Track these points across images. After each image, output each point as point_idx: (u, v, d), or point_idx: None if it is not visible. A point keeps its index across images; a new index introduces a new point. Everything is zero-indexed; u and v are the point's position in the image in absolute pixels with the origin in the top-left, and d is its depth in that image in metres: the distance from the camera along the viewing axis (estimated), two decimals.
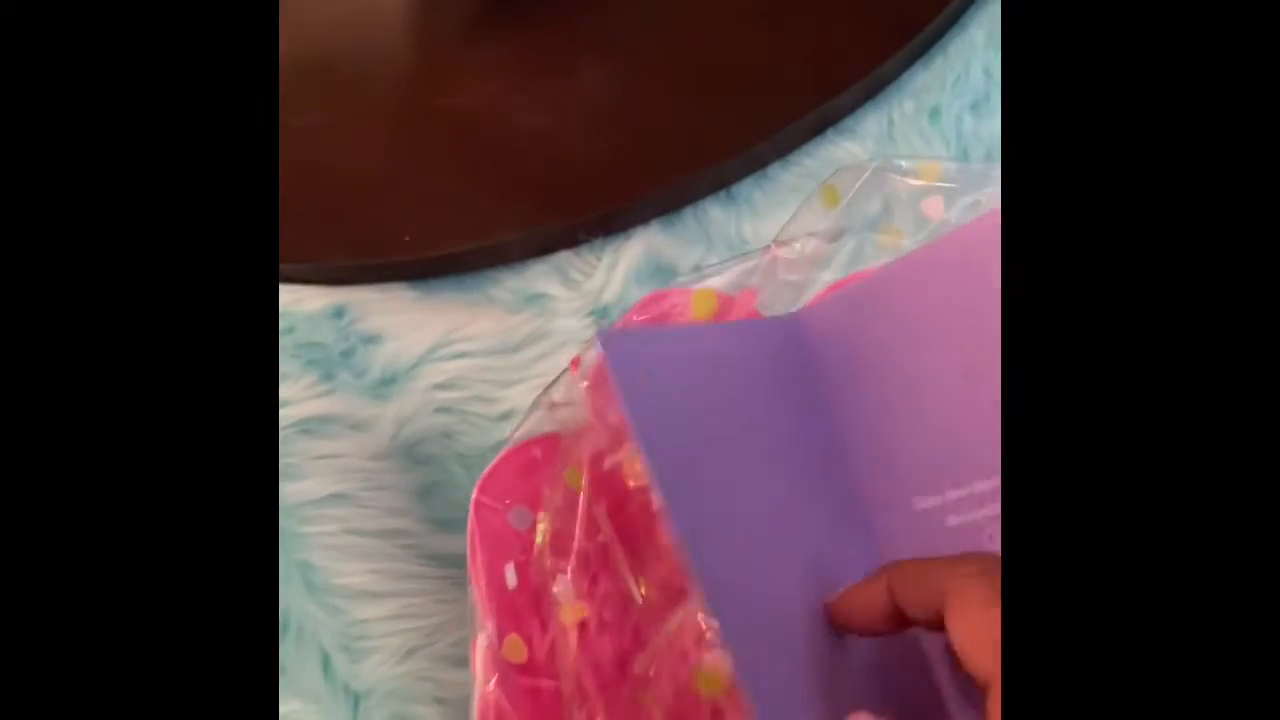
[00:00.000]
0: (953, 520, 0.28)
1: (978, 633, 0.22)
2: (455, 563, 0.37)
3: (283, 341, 0.41)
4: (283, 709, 0.36)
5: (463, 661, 0.36)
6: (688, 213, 0.44)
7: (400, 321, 0.42)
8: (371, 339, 0.42)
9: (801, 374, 0.31)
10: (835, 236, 0.33)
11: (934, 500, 0.28)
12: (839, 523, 0.30)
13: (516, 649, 0.29)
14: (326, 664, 0.36)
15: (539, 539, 0.30)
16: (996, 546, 0.27)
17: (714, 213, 0.44)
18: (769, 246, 0.33)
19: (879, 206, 0.33)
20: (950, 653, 0.23)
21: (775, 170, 0.44)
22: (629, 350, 0.27)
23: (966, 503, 0.28)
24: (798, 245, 0.32)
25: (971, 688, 0.23)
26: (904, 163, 0.33)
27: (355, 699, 0.36)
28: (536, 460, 0.31)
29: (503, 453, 0.32)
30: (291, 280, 0.43)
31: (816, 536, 0.29)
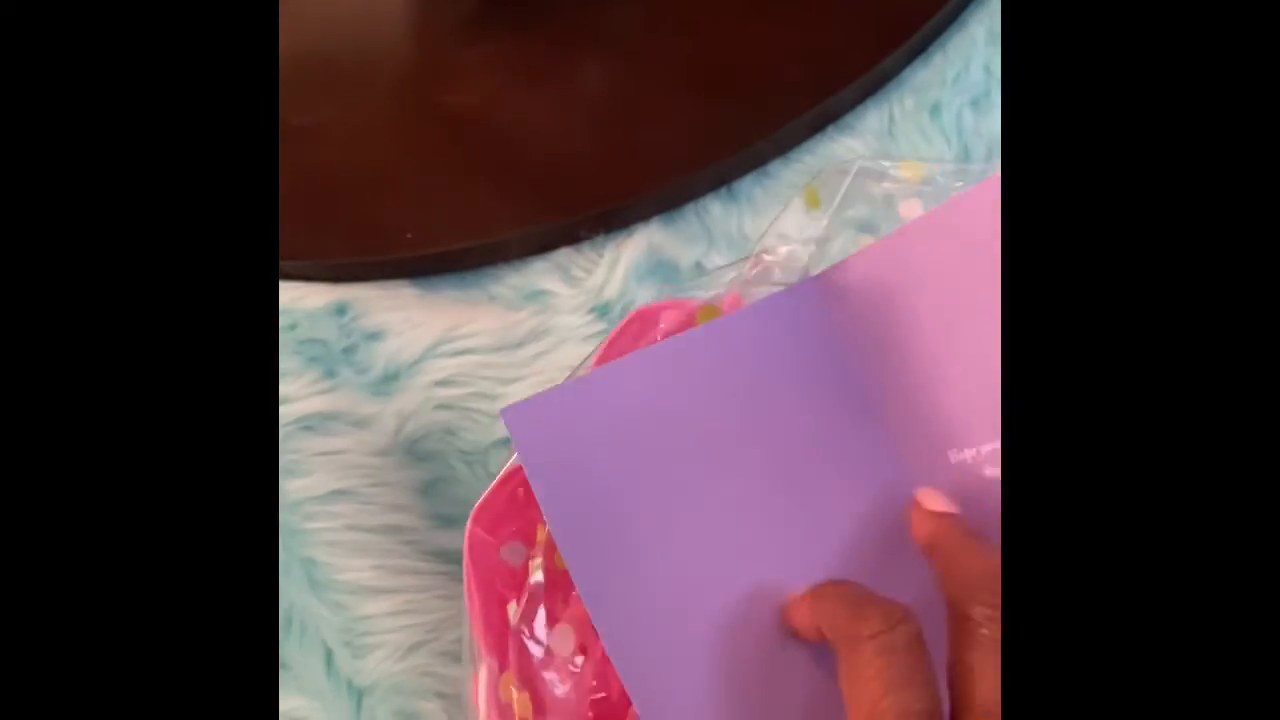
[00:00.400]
0: (989, 471, 0.28)
1: (857, 706, 0.23)
2: (457, 558, 0.37)
3: (284, 338, 0.42)
4: (286, 705, 0.36)
5: None
6: (689, 210, 0.44)
7: (402, 318, 0.42)
8: (373, 336, 0.42)
9: (817, 341, 0.30)
10: (822, 242, 0.33)
11: (969, 452, 0.28)
12: (872, 489, 0.29)
13: (510, 690, 0.29)
14: (329, 660, 0.36)
15: (533, 577, 0.30)
16: None
17: (715, 210, 0.44)
18: (753, 255, 0.33)
19: (864, 210, 0.33)
20: None
21: (776, 167, 0.44)
22: (535, 418, 0.26)
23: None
24: (783, 250, 0.32)
25: None
26: (886, 163, 0.33)
27: (358, 695, 0.36)
28: (521, 498, 0.31)
29: (494, 483, 0.32)
30: (293, 277, 0.43)
31: (819, 532, 0.29)
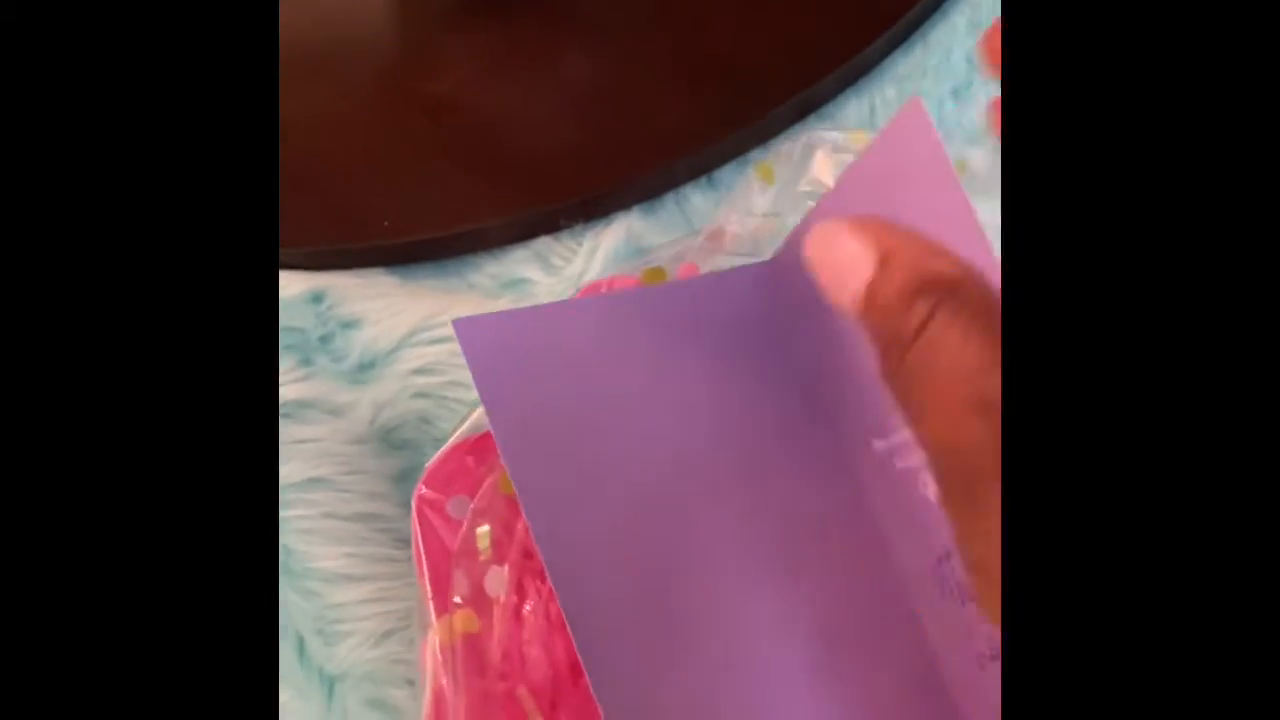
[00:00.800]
0: (899, 464, 0.28)
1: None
2: None
3: None
4: None
5: None
6: (669, 198, 0.44)
7: (379, 307, 0.42)
8: (350, 324, 0.42)
9: (765, 318, 0.30)
10: (775, 215, 0.32)
11: (887, 442, 0.28)
12: (811, 464, 0.29)
13: (449, 628, 0.29)
14: (302, 648, 0.36)
15: (481, 545, 0.30)
16: (930, 494, 0.27)
17: (695, 199, 0.44)
18: (706, 227, 0.33)
19: (814, 182, 0.33)
20: None
21: (756, 156, 0.44)
22: (485, 335, 0.26)
23: (913, 444, 0.27)
24: (735, 221, 0.32)
25: None
26: (834, 134, 0.33)
27: (330, 682, 0.36)
28: (471, 467, 0.31)
29: (443, 450, 0.32)
30: None
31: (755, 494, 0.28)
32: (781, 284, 0.30)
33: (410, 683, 0.35)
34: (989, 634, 0.26)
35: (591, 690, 0.25)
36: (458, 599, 0.29)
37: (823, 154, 0.33)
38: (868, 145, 0.26)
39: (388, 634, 0.36)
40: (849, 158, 0.33)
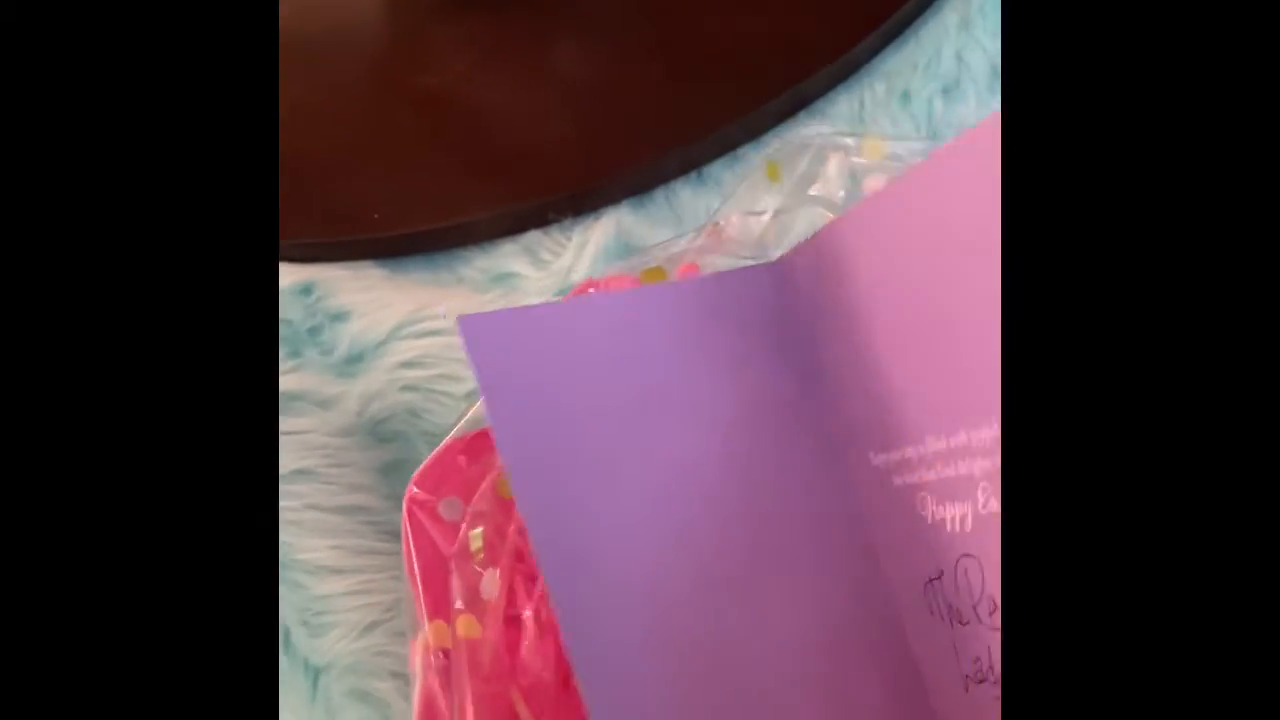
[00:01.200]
0: (896, 480, 0.27)
1: None
2: None
3: None
4: None
5: None
6: (658, 193, 0.44)
7: (368, 299, 0.42)
8: (339, 316, 0.42)
9: (771, 322, 0.29)
10: (779, 215, 0.32)
11: (885, 457, 0.28)
12: (810, 474, 0.29)
13: (445, 633, 0.29)
14: (286, 639, 0.36)
15: (474, 545, 0.30)
16: (927, 515, 0.27)
17: (684, 194, 0.44)
18: (711, 225, 0.32)
19: (829, 187, 0.33)
20: None
21: (746, 152, 0.44)
22: (490, 334, 0.26)
23: (915, 463, 0.27)
24: (737, 221, 0.32)
25: None
26: (848, 140, 0.33)
27: (315, 674, 0.36)
28: (463, 466, 0.31)
29: (436, 451, 0.32)
30: None
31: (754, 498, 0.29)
32: (789, 287, 0.30)
33: (394, 675, 0.35)
34: (976, 657, 0.26)
35: (582, 695, 0.25)
36: (459, 604, 0.29)
37: (836, 160, 0.33)
38: (933, 153, 0.26)
39: (372, 626, 0.36)
40: (861, 163, 0.33)
